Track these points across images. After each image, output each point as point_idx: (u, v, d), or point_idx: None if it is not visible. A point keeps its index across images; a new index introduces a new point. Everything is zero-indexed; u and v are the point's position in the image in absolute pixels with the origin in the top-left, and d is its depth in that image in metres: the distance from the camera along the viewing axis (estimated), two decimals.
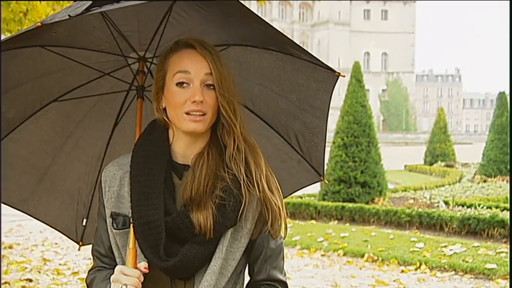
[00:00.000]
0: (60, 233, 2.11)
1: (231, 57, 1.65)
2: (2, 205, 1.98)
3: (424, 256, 7.40)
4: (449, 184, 16.73)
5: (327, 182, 2.06)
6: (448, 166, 23.65)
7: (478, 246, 7.74)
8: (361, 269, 7.22)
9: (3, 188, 1.86)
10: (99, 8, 1.28)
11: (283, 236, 1.54)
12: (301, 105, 1.76)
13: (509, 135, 17.08)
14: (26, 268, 6.79)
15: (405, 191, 14.29)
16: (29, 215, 2.01)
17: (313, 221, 10.72)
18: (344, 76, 1.77)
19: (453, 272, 6.80)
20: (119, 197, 1.51)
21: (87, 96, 1.80)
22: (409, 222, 9.73)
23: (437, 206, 11.05)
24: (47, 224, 2.06)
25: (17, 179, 1.91)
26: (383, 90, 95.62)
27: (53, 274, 6.59)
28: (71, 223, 2.03)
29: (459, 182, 17.84)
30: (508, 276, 6.31)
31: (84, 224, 2.02)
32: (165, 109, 1.49)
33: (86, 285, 1.58)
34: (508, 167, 16.95)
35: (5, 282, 5.94)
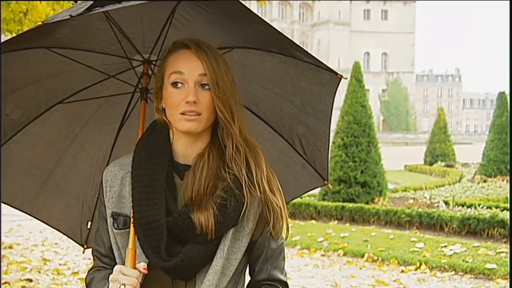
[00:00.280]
0: (60, 233, 2.10)
1: (234, 60, 1.65)
2: (2, 205, 1.98)
3: (424, 256, 7.40)
4: (449, 184, 16.74)
5: (330, 186, 2.06)
6: (448, 166, 23.66)
7: (478, 246, 7.74)
8: (361, 269, 7.22)
9: (8, 189, 1.86)
10: (100, 8, 1.28)
11: (284, 237, 1.54)
12: (304, 108, 1.75)
13: (509, 135, 17.09)
14: (26, 268, 6.79)
15: (405, 191, 14.30)
16: (33, 217, 2.00)
17: (313, 221, 10.73)
18: (346, 78, 1.77)
19: (453, 272, 6.80)
20: (120, 197, 1.51)
21: (92, 98, 1.80)
22: (409, 222, 9.74)
23: (437, 206, 11.06)
24: (52, 227, 2.05)
25: (21, 181, 1.90)
26: (383, 90, 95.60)
27: (53, 274, 6.59)
28: (76, 226, 2.03)
29: (459, 182, 17.85)
30: (508, 276, 6.31)
31: (88, 226, 2.01)
32: (164, 109, 1.50)
33: (85, 285, 1.58)
34: (508, 167, 16.96)
35: (5, 282, 5.94)
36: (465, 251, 7.52)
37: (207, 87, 1.44)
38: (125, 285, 1.37)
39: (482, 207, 10.07)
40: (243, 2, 1.33)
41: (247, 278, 1.58)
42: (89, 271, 1.58)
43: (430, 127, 56.64)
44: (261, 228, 1.49)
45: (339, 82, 1.70)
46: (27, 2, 5.92)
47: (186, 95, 1.43)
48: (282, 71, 1.70)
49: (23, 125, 1.78)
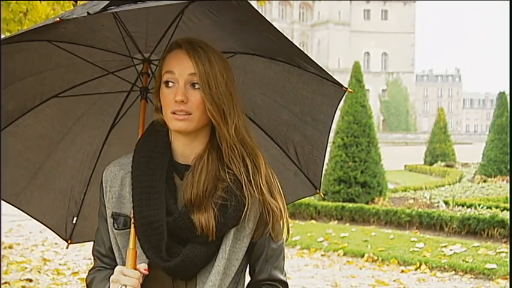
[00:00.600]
0: (52, 232, 2.10)
1: (236, 65, 1.64)
2: (2, 205, 1.98)
3: (424, 256, 7.40)
4: (449, 184, 16.74)
5: (322, 195, 2.06)
6: (448, 166, 23.66)
7: (478, 246, 7.75)
8: (361, 269, 7.22)
9: None
10: (116, 8, 1.28)
11: (285, 238, 1.54)
12: (303, 117, 1.75)
13: (509, 135, 17.09)
14: (26, 268, 6.80)
15: (405, 191, 14.30)
16: (19, 209, 1.99)
17: (313, 221, 10.73)
18: (352, 91, 1.77)
19: (453, 272, 6.80)
20: (120, 197, 1.51)
21: (88, 94, 1.80)
22: (409, 222, 9.74)
23: (437, 206, 11.06)
24: (37, 220, 2.04)
25: (11, 173, 1.89)
26: (383, 90, 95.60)
27: (53, 274, 6.59)
28: (61, 220, 2.02)
29: (459, 182, 17.85)
30: (508, 276, 6.32)
31: (74, 222, 2.01)
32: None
33: (85, 285, 1.58)
34: (508, 167, 16.96)
35: (5, 282, 5.94)
36: (465, 251, 7.52)
37: (197, 86, 1.43)
38: (125, 286, 1.38)
39: (482, 207, 10.08)
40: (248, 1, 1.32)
41: (247, 278, 1.58)
42: (89, 271, 1.58)
43: (430, 127, 56.65)
44: (261, 230, 1.49)
45: (343, 94, 1.70)
46: (27, 2, 5.91)
47: (175, 94, 1.43)
48: (285, 79, 1.69)
49: (16, 117, 1.77)
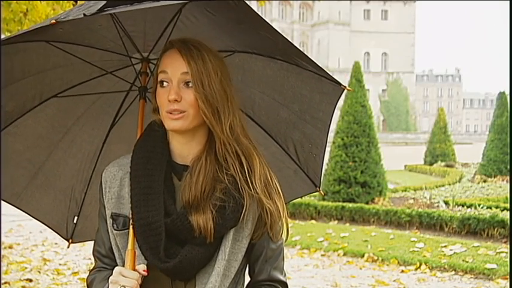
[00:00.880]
0: (53, 231, 2.10)
1: (235, 63, 1.64)
2: (2, 205, 1.98)
3: (424, 256, 7.40)
4: (449, 184, 16.73)
5: (322, 193, 2.07)
6: (448, 166, 23.66)
7: (478, 246, 7.74)
8: (361, 269, 7.22)
9: None
10: (112, 9, 1.28)
11: (284, 238, 1.54)
12: (302, 115, 1.75)
13: (509, 135, 17.09)
14: (26, 268, 6.79)
15: (405, 191, 14.30)
16: (20, 209, 1.99)
17: (313, 221, 10.73)
18: (350, 90, 1.77)
19: (453, 272, 6.80)
20: (119, 197, 1.51)
21: (87, 94, 1.80)
22: (409, 222, 9.74)
23: (437, 206, 11.06)
24: (38, 220, 2.04)
25: (11, 173, 1.89)
26: (383, 90, 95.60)
27: (53, 274, 6.59)
28: (62, 220, 2.03)
29: (459, 182, 17.85)
30: (508, 276, 6.31)
31: (75, 221, 2.01)
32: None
33: (86, 285, 1.58)
34: (508, 167, 16.96)
35: (5, 282, 5.94)
36: (465, 251, 7.52)
37: (191, 85, 1.43)
38: (124, 287, 1.38)
39: (482, 207, 10.07)
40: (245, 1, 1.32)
41: (247, 278, 1.58)
42: (90, 271, 1.58)
43: (430, 127, 56.64)
44: (260, 231, 1.49)
45: (342, 93, 1.70)
46: (27, 2, 5.91)
47: (169, 93, 1.43)
48: (283, 77, 1.69)
49: (16, 117, 1.77)
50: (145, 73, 1.69)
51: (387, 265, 7.31)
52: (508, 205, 10.01)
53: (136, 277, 1.40)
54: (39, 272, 6.64)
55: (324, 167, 1.95)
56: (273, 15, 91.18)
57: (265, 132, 1.82)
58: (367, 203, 11.56)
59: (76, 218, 2.01)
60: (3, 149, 1.79)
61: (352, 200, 11.67)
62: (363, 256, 7.69)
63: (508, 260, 6.88)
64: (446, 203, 11.20)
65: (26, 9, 5.88)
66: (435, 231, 9.30)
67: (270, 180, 1.50)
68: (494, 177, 17.54)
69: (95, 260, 1.58)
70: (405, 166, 27.19)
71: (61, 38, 1.58)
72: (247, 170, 1.46)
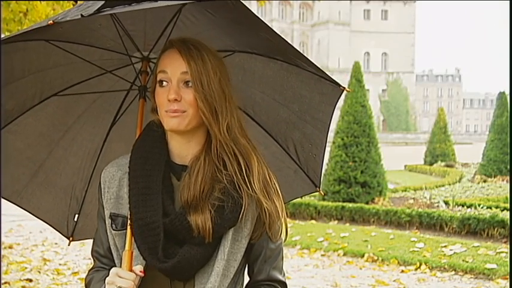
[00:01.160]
0: (61, 233, 2.11)
1: (235, 63, 1.65)
2: (3, 205, 1.98)
3: (424, 256, 7.40)
4: (449, 184, 16.74)
5: (322, 193, 2.07)
6: (448, 166, 23.66)
7: (478, 246, 7.74)
8: (361, 269, 7.23)
9: None
10: (110, 10, 1.28)
11: (283, 238, 1.54)
12: (302, 115, 1.76)
13: (509, 135, 17.09)
14: (26, 268, 6.80)
15: (405, 191, 14.30)
16: (21, 207, 1.99)
17: (313, 221, 10.73)
18: (350, 91, 1.78)
19: (453, 272, 6.80)
20: (118, 198, 1.51)
21: (87, 92, 1.81)
22: (409, 222, 9.74)
23: (437, 206, 11.06)
24: (39, 218, 2.05)
25: (12, 171, 1.89)
26: (383, 90, 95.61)
27: (53, 274, 6.60)
28: (63, 218, 2.03)
29: (459, 182, 17.85)
30: (508, 276, 6.32)
31: (75, 219, 2.02)
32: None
33: (84, 285, 1.58)
34: (508, 167, 16.96)
35: (5, 282, 5.94)
36: (465, 251, 7.52)
37: (190, 84, 1.43)
38: None
39: (482, 207, 10.08)
40: (242, 2, 1.32)
41: (246, 278, 1.58)
42: (88, 271, 1.58)
43: (430, 127, 56.65)
44: (259, 230, 1.48)
45: (341, 93, 1.71)
46: (27, 2, 5.92)
47: (168, 93, 1.43)
48: (283, 78, 1.70)
49: (16, 116, 1.78)
50: (146, 72, 1.69)
51: (387, 265, 7.31)
52: (508, 205, 10.01)
53: (132, 278, 1.39)
54: (39, 272, 6.64)
55: (324, 167, 1.95)
56: (273, 15, 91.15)
57: (266, 131, 1.83)
58: (367, 203, 11.56)
59: (77, 216, 2.02)
60: (3, 147, 1.79)
61: (352, 200, 11.67)
62: (363, 256, 7.69)
63: (508, 260, 6.88)
64: (446, 203, 11.21)
65: (26, 9, 5.88)
66: (435, 231, 9.31)
67: (269, 180, 1.50)
68: (494, 177, 17.54)
69: (93, 260, 1.58)
70: (405, 166, 27.20)
71: (61, 37, 1.59)
72: (245, 170, 1.46)
